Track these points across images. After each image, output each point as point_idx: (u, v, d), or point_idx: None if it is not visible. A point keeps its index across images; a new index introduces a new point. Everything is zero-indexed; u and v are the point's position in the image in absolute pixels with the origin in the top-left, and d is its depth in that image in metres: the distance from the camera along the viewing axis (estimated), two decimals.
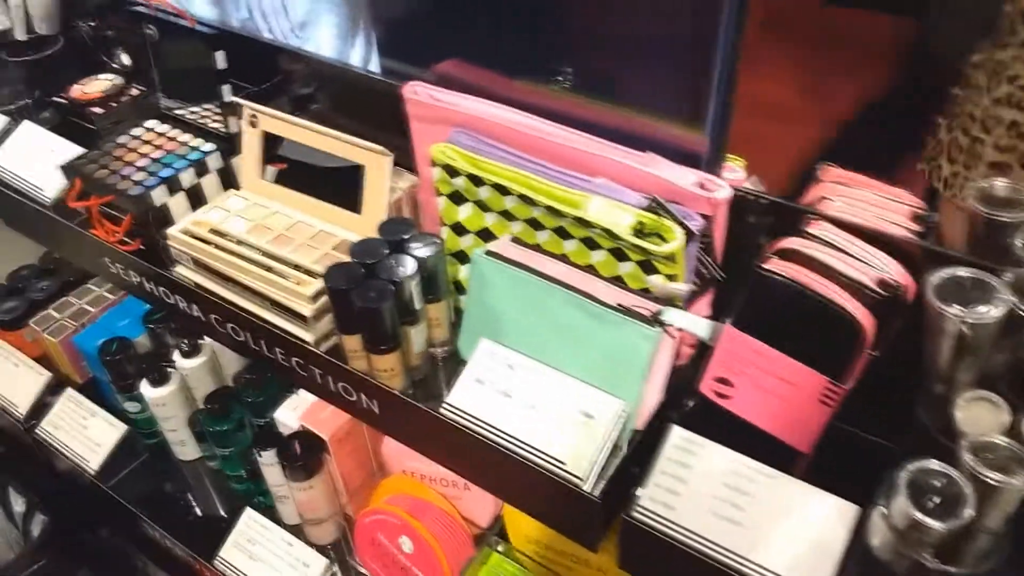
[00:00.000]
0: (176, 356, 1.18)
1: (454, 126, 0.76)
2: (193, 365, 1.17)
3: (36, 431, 1.26)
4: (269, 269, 0.80)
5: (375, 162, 0.81)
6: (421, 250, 0.72)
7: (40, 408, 1.28)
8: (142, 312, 1.28)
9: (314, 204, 0.87)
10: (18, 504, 1.50)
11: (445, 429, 0.69)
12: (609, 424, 0.65)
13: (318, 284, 0.77)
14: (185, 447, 1.22)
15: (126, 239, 0.90)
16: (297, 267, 0.80)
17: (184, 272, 0.87)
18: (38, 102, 1.13)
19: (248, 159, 0.89)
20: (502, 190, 0.72)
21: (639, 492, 0.61)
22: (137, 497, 1.22)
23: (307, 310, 0.77)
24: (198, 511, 1.24)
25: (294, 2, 0.83)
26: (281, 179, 0.88)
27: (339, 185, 0.84)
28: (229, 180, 0.94)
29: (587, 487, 0.63)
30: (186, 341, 1.17)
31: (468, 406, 0.68)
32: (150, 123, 0.98)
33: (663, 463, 0.62)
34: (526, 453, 0.65)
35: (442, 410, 0.69)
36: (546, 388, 0.68)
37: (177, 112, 0.98)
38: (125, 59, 1.08)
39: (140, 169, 0.90)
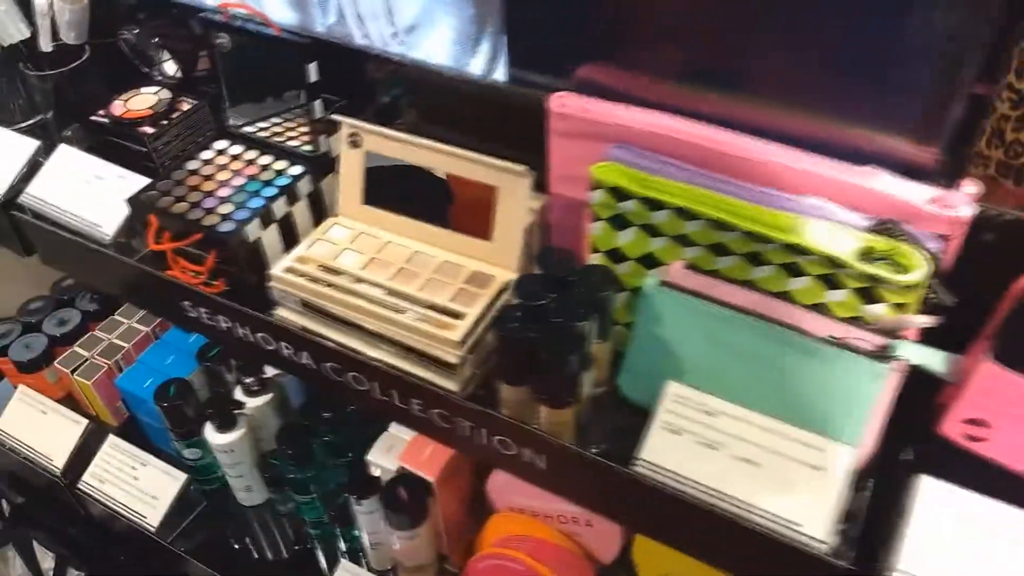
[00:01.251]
0: (240, 394, 1.08)
1: (610, 142, 0.69)
2: (260, 403, 1.08)
3: (79, 486, 1.15)
4: (399, 310, 0.72)
5: (511, 183, 0.73)
6: (597, 287, 0.65)
7: (79, 459, 1.17)
8: (186, 347, 1.18)
9: (432, 231, 0.78)
10: (46, 560, 1.39)
11: (642, 490, 0.62)
12: (842, 475, 0.59)
13: (464, 326, 0.70)
14: (251, 492, 1.13)
15: (210, 280, 0.81)
16: (432, 307, 0.72)
17: (288, 315, 0.78)
18: (66, 120, 1.02)
19: (348, 183, 0.81)
20: (685, 214, 0.65)
21: (898, 559, 0.55)
22: (202, 550, 1.13)
23: (454, 357, 0.69)
24: (274, 560, 1.15)
25: (402, 3, 0.74)
26: (388, 203, 0.80)
27: (464, 209, 0.76)
28: (319, 206, 0.85)
29: (829, 550, 0.57)
30: (251, 378, 1.07)
31: (667, 461, 0.62)
32: (219, 144, 0.88)
33: (917, 520, 0.56)
34: (749, 515, 0.59)
35: (638, 468, 0.62)
36: (755, 435, 0.62)
37: (245, 130, 0.89)
38: (170, 69, 0.97)
39: (224, 200, 0.80)
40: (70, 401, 1.28)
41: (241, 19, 0.79)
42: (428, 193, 0.78)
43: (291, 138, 0.88)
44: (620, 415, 0.71)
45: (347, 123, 0.78)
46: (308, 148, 0.85)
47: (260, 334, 0.79)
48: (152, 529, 1.10)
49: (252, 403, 1.08)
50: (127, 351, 1.22)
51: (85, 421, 1.19)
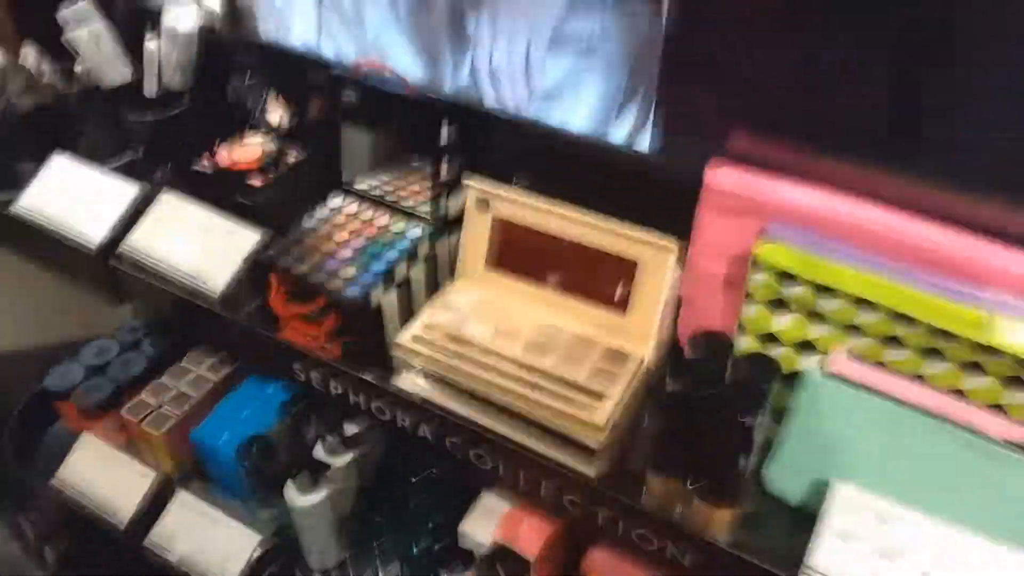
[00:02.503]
0: (320, 451, 1.05)
1: (768, 219, 0.67)
2: (342, 463, 1.05)
3: (145, 543, 1.12)
4: (533, 386, 0.70)
5: (655, 257, 0.71)
6: (762, 378, 0.62)
7: (146, 514, 1.14)
8: (263, 398, 1.15)
9: (561, 302, 0.76)
10: None
11: None
12: None
13: (607, 409, 0.67)
14: (326, 555, 1.10)
15: (325, 343, 0.79)
16: (569, 384, 0.70)
17: (408, 385, 0.75)
18: (158, 163, 1.01)
19: (472, 246, 0.79)
20: (860, 303, 0.62)
21: None
22: None
23: (595, 441, 0.67)
24: None
25: (547, 65, 0.72)
26: (515, 270, 0.78)
27: (596, 280, 0.74)
28: (434, 269, 0.83)
29: None
30: (334, 435, 1.04)
31: (840, 572, 0.58)
32: (334, 200, 0.86)
33: None
34: None
35: None
36: (937, 546, 0.59)
37: (359, 186, 0.87)
38: (275, 119, 0.96)
39: (345, 262, 0.78)
40: (132, 447, 1.25)
41: (372, 76, 0.78)
42: (558, 261, 0.76)
43: (403, 195, 0.87)
44: (768, 510, 0.68)
45: (476, 186, 0.77)
46: (426, 208, 0.83)
47: (376, 403, 0.77)
48: None
49: (335, 463, 1.05)
50: (196, 401, 1.19)
51: (153, 474, 1.16)
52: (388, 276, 0.77)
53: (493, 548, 0.94)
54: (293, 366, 0.81)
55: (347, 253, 0.80)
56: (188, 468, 1.22)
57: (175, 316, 0.90)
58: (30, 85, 1.03)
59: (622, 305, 0.73)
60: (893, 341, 0.63)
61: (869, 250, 0.63)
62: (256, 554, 1.09)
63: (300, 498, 1.02)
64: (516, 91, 0.76)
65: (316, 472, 1.03)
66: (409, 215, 0.84)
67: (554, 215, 0.74)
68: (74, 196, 0.95)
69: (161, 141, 0.99)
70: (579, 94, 0.73)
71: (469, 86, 0.80)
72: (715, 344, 0.66)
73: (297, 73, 0.89)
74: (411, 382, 0.75)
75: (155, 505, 1.15)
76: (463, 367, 0.72)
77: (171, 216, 0.90)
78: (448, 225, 0.83)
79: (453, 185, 0.81)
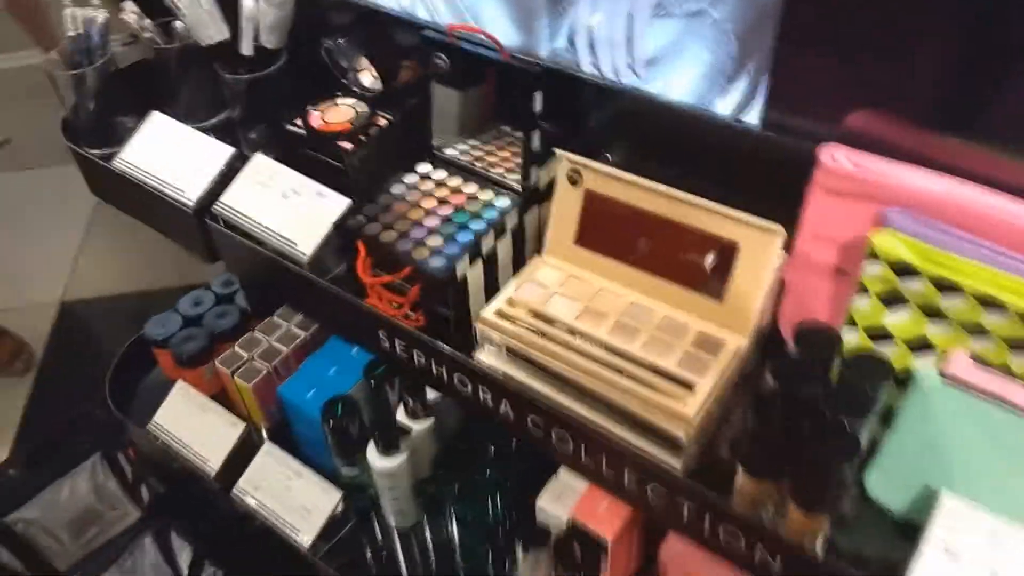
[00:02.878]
0: (401, 416, 1.06)
1: (883, 204, 0.62)
2: (423, 428, 1.06)
3: (233, 491, 1.17)
4: (618, 370, 0.67)
5: (758, 241, 0.67)
6: (873, 380, 0.58)
7: (234, 463, 1.19)
8: (348, 357, 1.17)
9: (652, 282, 0.73)
10: (183, 553, 1.43)
11: None
12: None
13: (697, 401, 0.64)
14: (404, 516, 1.11)
15: (409, 312, 0.78)
16: (657, 371, 0.67)
17: (491, 360, 0.74)
18: (251, 124, 1.02)
19: (560, 221, 0.76)
20: (987, 302, 0.57)
21: None
22: (349, 570, 1.12)
23: (683, 433, 0.64)
24: None
25: (650, 31, 0.68)
26: (605, 247, 0.75)
27: (692, 262, 0.70)
28: (519, 243, 0.81)
29: None
30: (414, 399, 1.05)
31: None
32: (422, 167, 0.85)
33: None
34: None
35: None
36: None
37: (448, 153, 0.85)
38: (365, 80, 0.95)
39: (432, 231, 0.77)
40: (223, 397, 1.30)
41: (465, 39, 0.76)
42: (651, 240, 0.72)
43: (491, 164, 0.85)
44: (867, 519, 0.64)
45: (568, 158, 0.74)
46: (515, 178, 0.81)
47: (457, 375, 0.76)
48: (306, 545, 1.10)
49: (416, 427, 1.06)
50: (286, 357, 1.23)
51: (242, 424, 1.20)
52: (474, 248, 0.76)
53: (569, 526, 0.93)
54: (378, 333, 0.81)
55: (433, 222, 0.78)
56: (275, 420, 1.26)
57: (264, 276, 0.91)
58: (130, 42, 1.05)
59: (718, 289, 0.70)
60: (1021, 344, 0.57)
61: (1000, 245, 0.58)
62: (338, 509, 1.12)
63: (381, 460, 1.04)
64: (616, 58, 0.72)
65: (397, 435, 1.04)
66: (497, 185, 0.81)
67: (650, 192, 0.71)
68: (172, 154, 0.97)
69: (255, 100, 1.00)
70: (683, 63, 0.68)
71: (565, 52, 0.76)
72: (821, 338, 0.61)
73: (390, 35, 0.87)
74: (493, 357, 0.74)
75: (243, 454, 1.20)
76: (546, 346, 0.70)
77: (263, 177, 0.91)
78: (537, 197, 0.81)
79: (544, 156, 0.79)
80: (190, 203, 0.93)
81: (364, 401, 1.11)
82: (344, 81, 0.97)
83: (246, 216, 0.90)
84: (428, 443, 1.08)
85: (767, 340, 0.73)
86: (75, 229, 2.48)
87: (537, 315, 0.73)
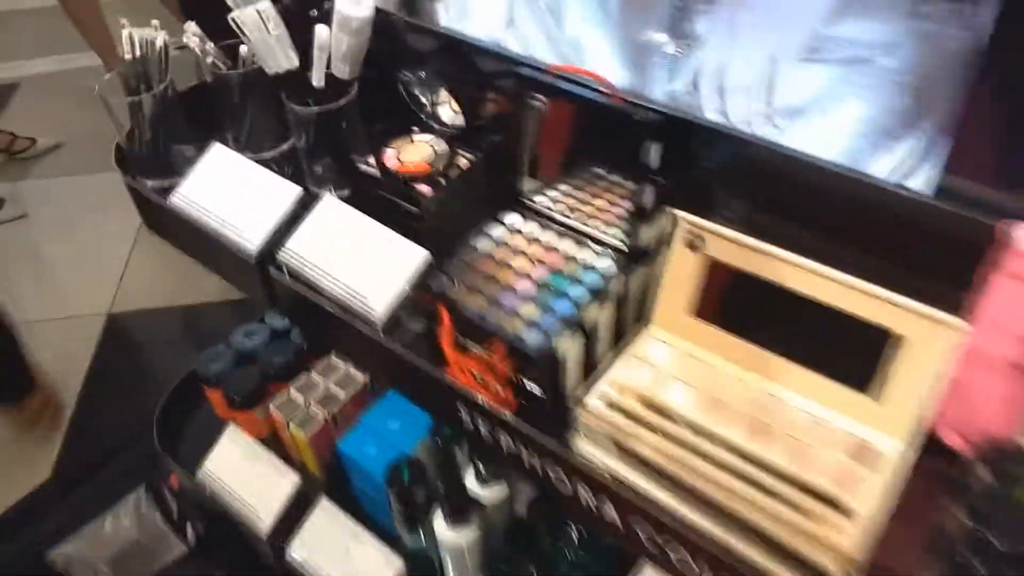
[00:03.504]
0: (471, 480, 0.97)
1: None
2: (496, 498, 0.97)
3: (288, 553, 1.09)
4: (754, 482, 0.57)
5: (929, 335, 0.56)
6: None
7: (286, 518, 1.11)
8: (412, 410, 1.08)
9: (789, 370, 0.63)
10: None
11: None
12: None
13: (857, 531, 0.53)
14: None
15: (497, 390, 0.69)
16: (803, 486, 0.56)
17: (592, 452, 0.64)
18: (317, 157, 0.94)
19: (675, 290, 0.66)
20: None
21: None
22: None
23: (839, 570, 0.53)
24: None
25: (797, 76, 0.58)
26: (729, 324, 0.65)
27: (842, 351, 0.60)
28: (622, 310, 0.72)
29: None
30: (486, 465, 0.96)
31: None
32: (509, 218, 0.76)
33: None
34: None
35: None
36: None
37: (537, 200, 0.76)
38: (447, 116, 0.86)
39: (525, 298, 0.68)
40: (274, 439, 1.23)
41: (568, 80, 0.66)
42: (789, 322, 0.62)
43: (587, 215, 0.75)
44: None
45: (687, 221, 0.64)
46: (616, 233, 0.71)
47: (552, 469, 0.67)
48: None
49: (487, 494, 0.96)
50: (345, 405, 1.15)
51: (296, 477, 1.13)
52: (575, 320, 0.66)
53: None
54: (458, 408, 0.72)
55: (526, 286, 0.69)
56: (330, 470, 1.18)
57: (331, 333, 0.82)
58: (192, 65, 0.98)
59: (874, 385, 0.59)
60: None
61: None
62: None
63: (449, 532, 0.95)
64: (750, 105, 0.62)
65: (468, 506, 0.95)
66: (596, 242, 0.72)
67: (790, 265, 0.60)
68: (233, 190, 0.89)
69: (324, 134, 0.91)
70: (836, 115, 0.58)
71: (686, 95, 0.66)
72: (1009, 456, 0.51)
73: (477, 69, 0.78)
74: (595, 448, 0.64)
75: (297, 507, 1.12)
76: (663, 446, 0.60)
77: (333, 222, 0.83)
78: (642, 257, 0.71)
79: (653, 211, 0.69)
80: (252, 248, 0.85)
81: (430, 462, 1.03)
82: (422, 116, 0.88)
83: (313, 265, 0.81)
84: (501, 514, 0.99)
85: (925, 446, 0.62)
86: (125, 238, 2.45)
87: (650, 404, 0.63)
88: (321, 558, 1.07)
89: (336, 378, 1.19)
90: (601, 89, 0.64)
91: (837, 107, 0.57)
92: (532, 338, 0.65)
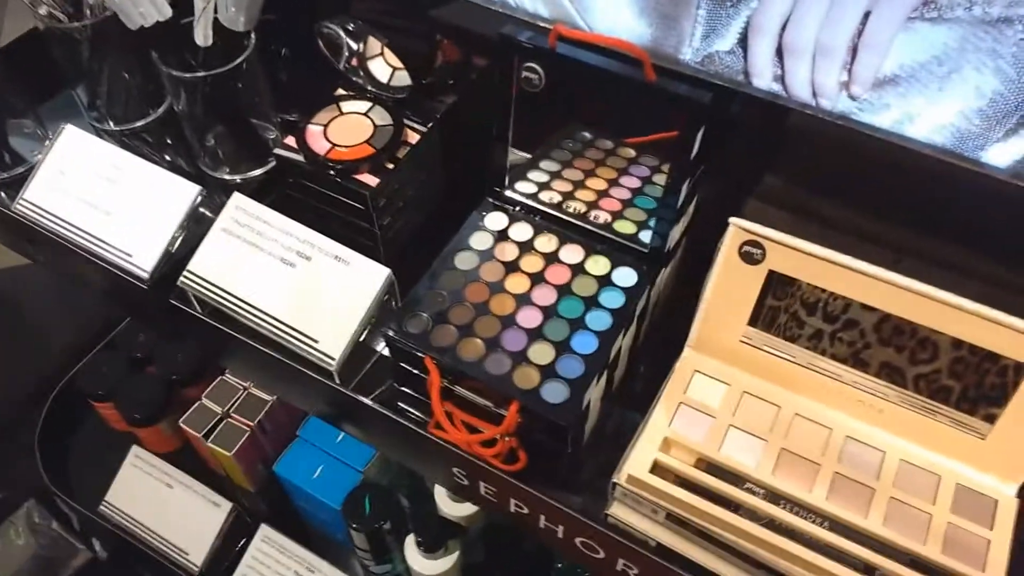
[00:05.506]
0: (443, 500, 0.85)
1: None
2: (474, 518, 0.84)
3: None
4: (853, 561, 0.47)
5: None
6: None
7: (221, 555, 0.96)
8: None
9: (873, 406, 0.52)
10: None
11: None
12: None
13: None
14: None
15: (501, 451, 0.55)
16: (908, 559, 0.47)
17: (633, 521, 0.52)
18: (206, 129, 0.73)
19: (724, 310, 0.54)
20: None
21: None
22: None
23: None
24: None
25: (895, 37, 0.44)
26: (793, 351, 0.53)
27: (943, 383, 0.49)
28: (640, 328, 0.58)
29: None
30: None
31: None
32: (491, 219, 0.60)
33: None
34: None
35: None
36: None
37: (519, 187, 0.60)
38: (382, 74, 0.68)
39: (533, 335, 0.53)
40: (188, 453, 1.05)
41: (572, 45, 0.50)
42: (874, 348, 0.50)
43: (588, 204, 0.60)
44: None
45: (742, 228, 0.50)
46: (627, 226, 0.57)
47: (581, 538, 0.55)
48: None
49: (463, 513, 0.84)
50: (273, 413, 0.98)
51: (228, 505, 0.96)
52: (600, 357, 0.52)
53: None
54: (453, 471, 0.58)
55: (532, 319, 0.54)
56: (267, 491, 1.02)
57: (277, 383, 0.66)
58: (23, 9, 0.74)
59: (984, 422, 0.49)
60: None
61: None
62: None
63: (425, 561, 0.83)
64: (823, 72, 0.47)
65: (446, 532, 0.82)
66: (606, 241, 0.57)
67: (879, 283, 0.48)
68: (104, 192, 0.69)
69: (216, 105, 0.71)
70: (948, 90, 0.45)
71: (727, 57, 0.51)
72: None
73: (423, 14, 0.60)
74: (639, 521, 0.52)
75: (232, 540, 0.97)
76: (734, 522, 0.48)
77: (248, 231, 0.64)
78: (665, 261, 0.58)
79: (686, 206, 0.55)
80: (143, 273, 0.65)
81: (388, 480, 0.89)
82: (348, 75, 0.69)
83: (230, 294, 0.63)
84: (482, 533, 0.87)
85: None
86: None
87: (711, 465, 0.51)
88: None
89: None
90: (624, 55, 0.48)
91: (951, 79, 0.44)
92: (553, 392, 0.51)
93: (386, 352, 0.59)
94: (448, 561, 0.82)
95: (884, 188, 0.52)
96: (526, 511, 0.56)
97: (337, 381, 0.59)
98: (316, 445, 0.91)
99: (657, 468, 0.51)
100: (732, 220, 0.50)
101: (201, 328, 0.65)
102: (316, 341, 0.59)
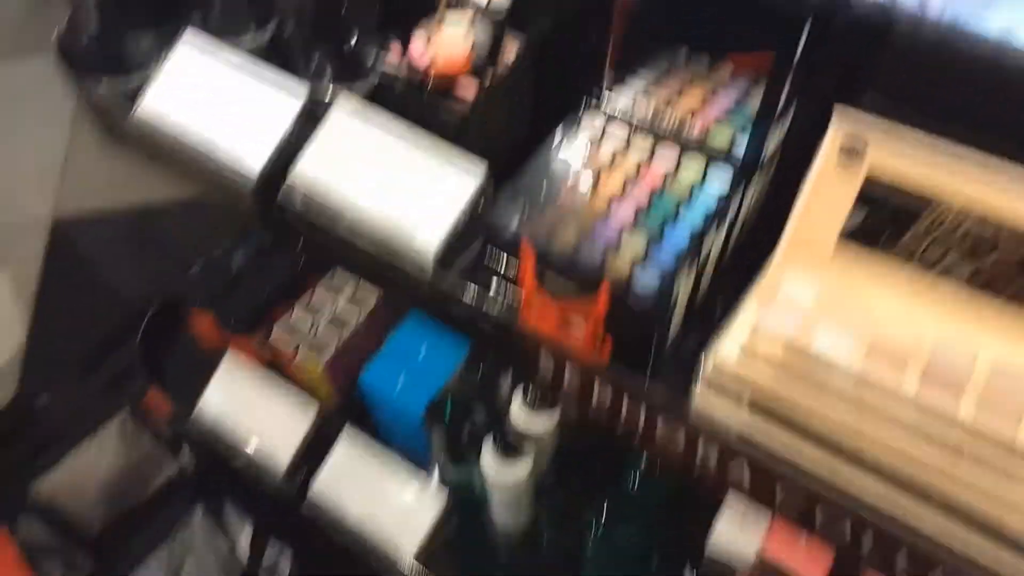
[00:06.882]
0: (518, 409, 0.86)
1: None
2: (547, 426, 0.86)
3: (310, 494, 0.98)
4: (950, 450, 0.47)
5: None
6: None
7: (306, 455, 1.00)
8: (440, 334, 0.95)
9: (978, 308, 0.51)
10: (241, 532, 1.26)
11: None
12: None
13: None
14: (516, 520, 0.94)
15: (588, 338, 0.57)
16: (1012, 450, 0.46)
17: (718, 411, 0.53)
18: (310, 43, 0.75)
19: (823, 214, 0.53)
20: None
21: None
22: None
23: None
24: None
25: None
26: (891, 253, 0.52)
27: None
28: (730, 235, 0.59)
29: None
30: (534, 391, 0.85)
31: None
32: (588, 122, 0.60)
33: None
34: None
35: None
36: None
37: (616, 101, 0.61)
38: None
39: (626, 229, 0.54)
40: (277, 367, 1.09)
41: None
42: (977, 249, 0.50)
43: (686, 113, 0.60)
44: None
45: (847, 125, 0.50)
46: (723, 138, 0.57)
47: (662, 429, 0.56)
48: (408, 559, 0.93)
49: (538, 426, 0.86)
50: (358, 330, 1.01)
51: (315, 407, 0.99)
52: (693, 253, 0.53)
53: (760, 565, 0.75)
54: (538, 361, 0.59)
55: (626, 213, 0.55)
56: (346, 400, 1.06)
57: (370, 275, 0.68)
58: None
59: None
60: None
61: None
62: (441, 517, 0.94)
63: (500, 468, 0.85)
64: None
65: (520, 438, 0.84)
66: (701, 151, 0.58)
67: (987, 183, 0.47)
68: (216, 100, 0.71)
69: (321, 17, 0.73)
70: None
71: None
72: None
73: None
74: (722, 406, 0.53)
75: (317, 444, 1.00)
76: (824, 407, 0.49)
77: (353, 135, 0.66)
78: (763, 169, 0.57)
79: (785, 111, 0.54)
80: (251, 174, 0.68)
81: (469, 392, 0.91)
82: None
83: (333, 191, 0.65)
84: (553, 443, 0.89)
85: None
86: (58, 129, 2.16)
87: (799, 353, 0.51)
88: (350, 494, 0.96)
89: (346, 297, 1.05)
90: None
91: None
92: (642, 281, 0.52)
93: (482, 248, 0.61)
94: (522, 468, 0.84)
95: (994, 99, 0.51)
96: (608, 403, 0.57)
97: (432, 273, 0.61)
98: (401, 358, 0.94)
99: (744, 356, 0.51)
100: (839, 110, 0.50)
101: (305, 228, 0.68)
102: (415, 234, 0.61)
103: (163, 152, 0.76)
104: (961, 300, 0.52)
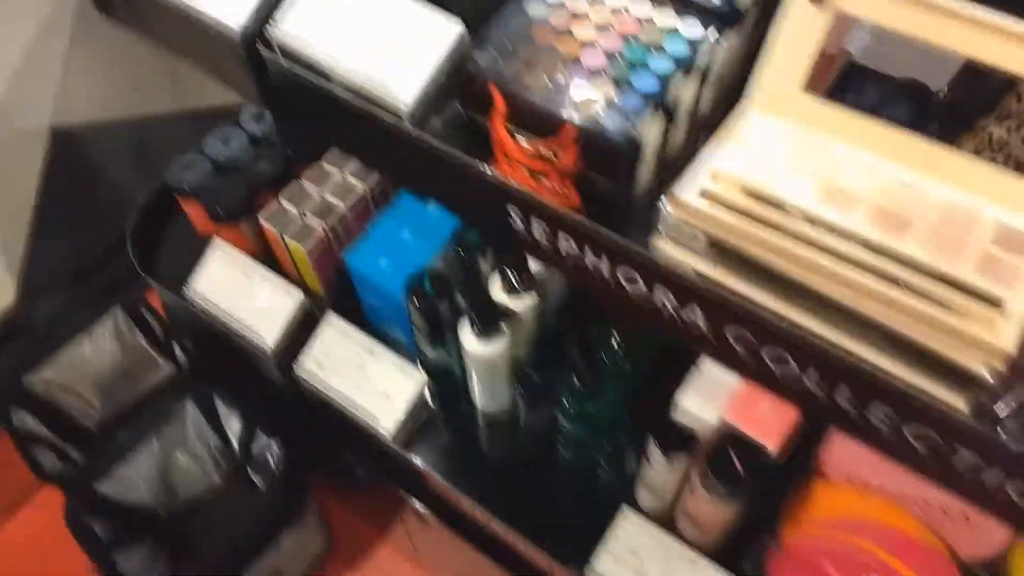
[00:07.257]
0: (497, 291, 0.88)
1: None
2: (525, 307, 0.88)
3: (296, 371, 1.01)
4: (885, 278, 0.48)
5: None
6: None
7: (291, 337, 1.02)
8: (424, 217, 0.97)
9: (925, 151, 0.52)
10: (231, 422, 1.29)
11: None
12: None
13: (1011, 326, 0.46)
14: (498, 402, 0.96)
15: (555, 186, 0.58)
16: (944, 279, 0.48)
17: (677, 255, 0.55)
18: None
19: (786, 57, 0.54)
20: None
21: None
22: (438, 460, 0.99)
23: (987, 368, 0.46)
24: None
25: None
26: (851, 99, 0.53)
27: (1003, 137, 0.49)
28: (704, 87, 0.59)
29: None
30: (515, 272, 0.86)
31: None
32: None
33: None
34: None
35: None
36: None
37: None
38: None
39: (596, 74, 0.55)
40: (264, 258, 1.11)
41: None
42: (930, 90, 0.51)
43: None
44: None
45: None
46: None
47: (623, 269, 0.57)
48: (388, 434, 0.96)
49: (517, 305, 0.88)
50: (343, 214, 1.02)
51: (298, 293, 1.02)
52: (659, 99, 0.54)
53: (722, 430, 0.78)
54: (508, 213, 0.61)
55: (596, 60, 0.56)
56: (333, 288, 1.08)
57: (341, 130, 0.69)
58: None
59: None
60: None
61: None
62: (420, 395, 0.97)
63: (477, 344, 0.87)
64: None
65: (498, 316, 0.86)
66: (683, 2, 0.58)
67: (937, 12, 0.48)
68: None
69: None
70: None
71: None
72: None
73: None
74: (684, 253, 0.55)
75: (302, 328, 1.03)
76: (774, 240, 0.50)
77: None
78: (735, 21, 0.58)
79: None
80: (235, 26, 0.68)
81: (452, 272, 0.93)
82: None
83: (315, 44, 0.66)
84: (530, 323, 0.91)
85: None
86: (57, 34, 2.12)
87: (756, 196, 0.52)
88: (334, 374, 0.99)
89: (332, 187, 1.06)
90: None
91: None
92: (611, 122, 0.53)
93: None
94: (499, 345, 0.86)
95: None
96: (575, 249, 0.59)
97: (408, 122, 0.61)
98: (385, 241, 0.95)
99: (704, 197, 0.53)
100: None
101: (286, 81, 0.68)
102: (392, 87, 0.62)
103: (150, 15, 0.76)
104: (914, 148, 0.53)
